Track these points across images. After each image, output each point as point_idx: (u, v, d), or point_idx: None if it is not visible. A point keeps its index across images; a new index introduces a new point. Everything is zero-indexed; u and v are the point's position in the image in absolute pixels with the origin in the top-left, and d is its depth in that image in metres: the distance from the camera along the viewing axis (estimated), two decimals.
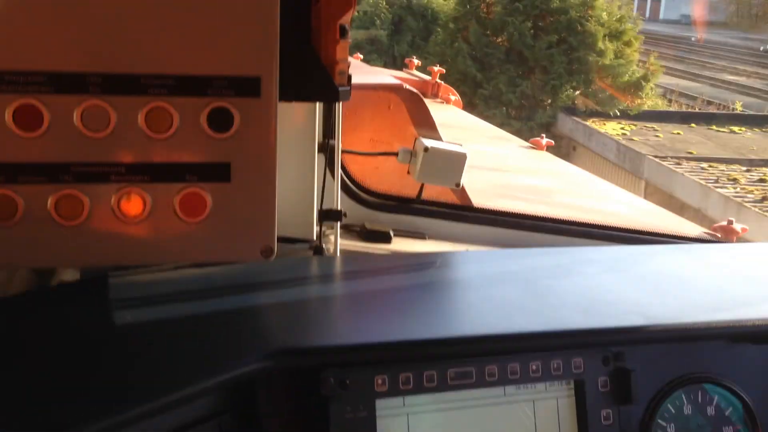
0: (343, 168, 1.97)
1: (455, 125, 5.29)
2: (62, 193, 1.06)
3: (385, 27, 20.00)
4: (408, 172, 1.98)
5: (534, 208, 2.53)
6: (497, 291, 1.41)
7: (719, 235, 2.70)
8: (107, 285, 1.29)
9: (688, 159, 14.21)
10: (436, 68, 6.77)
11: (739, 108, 20.15)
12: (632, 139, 15.78)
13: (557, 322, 1.23)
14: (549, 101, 17.52)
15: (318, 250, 1.64)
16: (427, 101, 6.37)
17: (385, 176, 2.14)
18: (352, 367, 1.08)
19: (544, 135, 5.39)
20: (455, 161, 1.96)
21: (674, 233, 2.33)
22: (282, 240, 1.49)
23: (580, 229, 2.13)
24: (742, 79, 24.76)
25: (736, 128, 17.27)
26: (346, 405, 1.06)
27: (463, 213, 2.13)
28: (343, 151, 1.87)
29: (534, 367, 1.17)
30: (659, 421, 1.25)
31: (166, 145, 1.08)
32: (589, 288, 1.45)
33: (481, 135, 5.63)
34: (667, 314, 1.27)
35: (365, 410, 1.07)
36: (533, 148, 5.22)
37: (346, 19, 1.31)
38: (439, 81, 6.71)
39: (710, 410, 1.28)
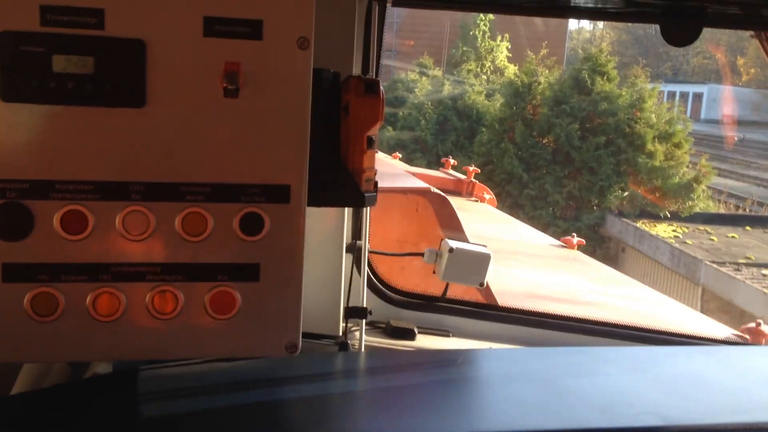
0: (371, 267, 2.04)
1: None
2: (100, 291, 1.13)
3: (430, 126, 20.51)
4: (433, 272, 2.05)
5: (560, 306, 2.56)
6: (517, 389, 1.44)
7: (748, 337, 2.69)
8: (138, 378, 1.35)
9: (747, 265, 13.67)
10: (471, 168, 6.94)
11: None
12: (686, 242, 15.29)
13: (574, 422, 1.25)
14: (597, 202, 17.53)
15: (343, 346, 1.69)
16: (462, 199, 6.53)
17: (412, 275, 2.21)
18: None
19: (575, 234, 5.43)
20: (480, 262, 2.03)
21: (699, 335, 2.33)
22: (308, 336, 1.56)
23: (603, 328, 2.16)
24: None
25: None
26: None
27: (487, 311, 2.17)
28: (370, 252, 1.95)
29: None
30: None
31: (200, 246, 1.16)
32: (608, 388, 1.47)
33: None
34: (683, 416, 1.29)
35: None
36: (564, 246, 5.27)
37: (373, 131, 1.40)
38: (474, 180, 6.87)
39: None
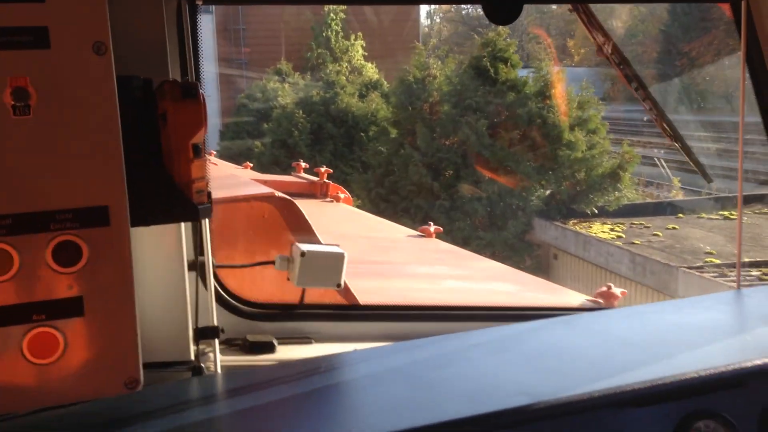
0: (219, 282, 1.93)
1: None
2: None
3: (304, 137, 18.22)
4: (288, 279, 1.96)
5: (423, 295, 2.55)
6: (384, 389, 1.39)
7: (601, 302, 2.79)
8: None
9: (727, 266, 10.75)
10: (323, 168, 6.91)
11: (677, 184, 17.77)
12: (633, 243, 13.10)
13: (443, 414, 1.21)
14: (519, 205, 14.84)
15: (197, 370, 1.57)
16: (317, 201, 6.48)
17: (267, 285, 2.11)
18: None
19: (431, 223, 5.50)
20: (334, 262, 1.96)
21: (558, 305, 2.39)
22: (155, 366, 1.43)
23: (466, 312, 2.16)
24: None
25: (726, 213, 14.68)
26: None
27: (347, 312, 2.11)
28: (216, 266, 1.84)
29: None
30: None
31: (8, 286, 1.02)
32: (474, 374, 1.45)
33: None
34: (551, 391, 1.28)
35: None
36: (422, 236, 5.32)
37: (198, 139, 1.31)
38: (327, 180, 6.84)
39: None
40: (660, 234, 13.86)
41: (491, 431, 1.20)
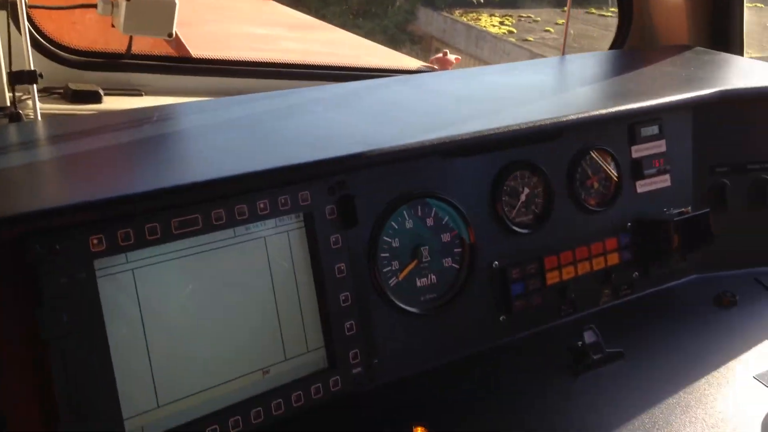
0: (35, 26, 1.74)
1: None
2: None
3: None
4: (112, 25, 1.81)
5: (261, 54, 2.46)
6: (220, 137, 1.36)
7: (436, 67, 2.84)
8: None
9: None
10: None
11: None
12: (526, 39, 11.88)
13: (282, 160, 1.21)
14: None
15: (15, 116, 1.46)
16: None
17: (89, 32, 1.94)
18: (62, 231, 0.99)
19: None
20: (164, 9, 1.81)
21: (396, 67, 2.40)
22: None
23: (305, 71, 2.12)
24: None
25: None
26: (59, 270, 0.98)
27: (180, 65, 2.00)
28: (30, 7, 1.65)
29: (262, 206, 1.16)
30: (385, 238, 1.32)
31: None
32: (315, 125, 1.45)
33: None
34: (385, 139, 1.31)
35: (83, 272, 1.00)
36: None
37: None
38: None
39: (430, 221, 1.37)
40: (551, 30, 13.09)
41: (330, 176, 1.22)
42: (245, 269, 1.16)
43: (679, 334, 1.48)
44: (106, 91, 1.85)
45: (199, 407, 1.12)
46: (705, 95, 1.63)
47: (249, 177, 1.15)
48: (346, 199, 1.23)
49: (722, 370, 1.36)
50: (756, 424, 1.21)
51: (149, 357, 1.07)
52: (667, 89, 1.65)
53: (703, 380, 1.33)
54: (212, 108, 1.60)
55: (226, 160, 1.22)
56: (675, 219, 1.56)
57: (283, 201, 1.18)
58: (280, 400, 1.18)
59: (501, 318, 1.45)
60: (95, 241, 1.01)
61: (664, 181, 1.64)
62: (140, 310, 1.06)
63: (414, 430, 1.17)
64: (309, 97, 1.68)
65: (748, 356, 1.40)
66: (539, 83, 1.83)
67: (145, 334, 1.06)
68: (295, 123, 1.46)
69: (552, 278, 1.50)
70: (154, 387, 1.07)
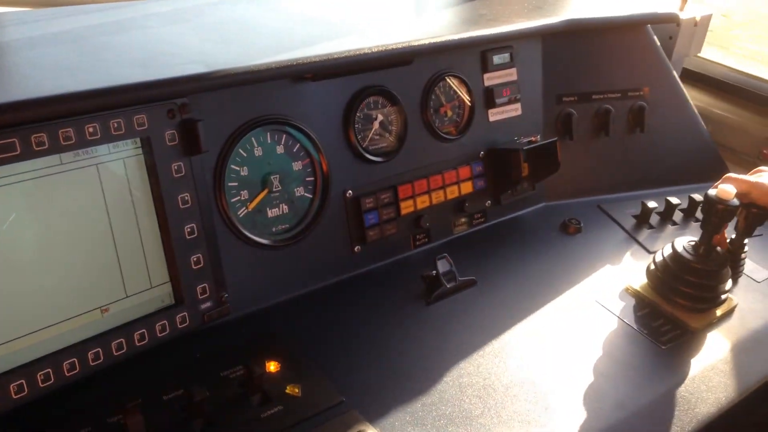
0: None
1: None
2: None
3: None
4: None
5: None
6: (40, 53, 1.20)
7: None
8: None
9: None
10: None
11: None
12: None
13: (112, 79, 1.09)
14: None
15: None
16: None
17: None
18: None
19: None
20: None
21: None
22: None
23: None
24: None
25: None
26: None
27: None
28: None
29: (91, 130, 1.03)
30: (232, 166, 1.23)
31: None
32: (150, 42, 1.32)
33: None
34: (230, 60, 1.21)
35: None
36: None
37: None
38: None
39: (280, 149, 1.30)
40: None
41: (170, 99, 1.12)
42: (77, 199, 1.04)
43: (528, 260, 1.52)
44: None
45: (29, 350, 1.01)
46: (553, 24, 1.64)
47: (73, 97, 1.02)
48: (188, 123, 1.13)
49: (568, 294, 1.41)
50: (598, 345, 1.26)
51: None
52: (518, 17, 1.64)
53: (550, 305, 1.37)
54: (32, 19, 1.42)
55: (48, 79, 1.08)
56: (524, 148, 1.57)
57: (116, 125, 1.06)
58: (122, 339, 1.09)
59: (356, 248, 1.42)
60: None
61: (515, 110, 1.65)
62: None
63: (267, 364, 1.13)
64: (145, 11, 1.54)
65: (591, 281, 1.45)
66: (392, 7, 1.77)
67: None
68: (127, 39, 1.32)
69: (406, 207, 1.48)
70: None
